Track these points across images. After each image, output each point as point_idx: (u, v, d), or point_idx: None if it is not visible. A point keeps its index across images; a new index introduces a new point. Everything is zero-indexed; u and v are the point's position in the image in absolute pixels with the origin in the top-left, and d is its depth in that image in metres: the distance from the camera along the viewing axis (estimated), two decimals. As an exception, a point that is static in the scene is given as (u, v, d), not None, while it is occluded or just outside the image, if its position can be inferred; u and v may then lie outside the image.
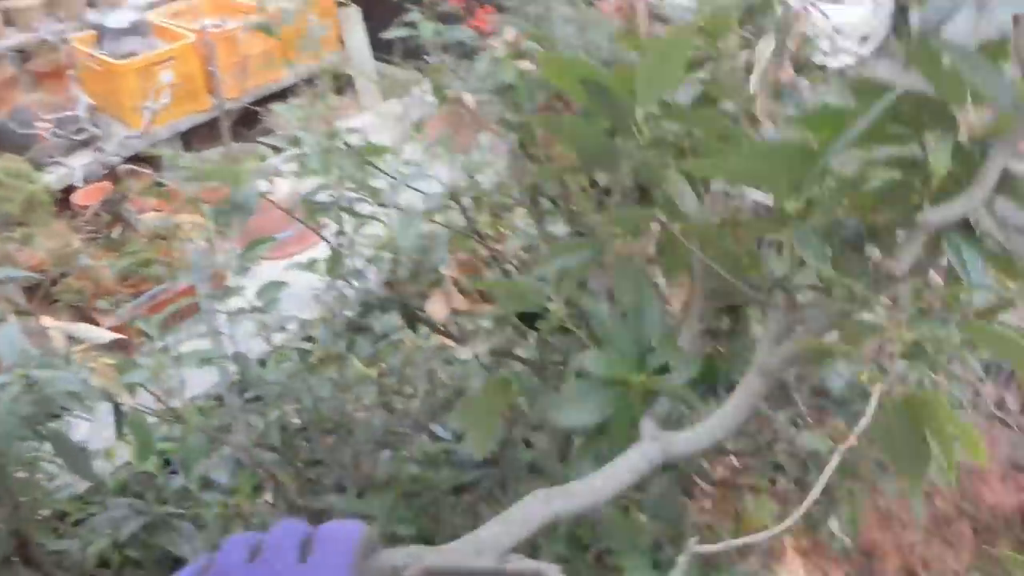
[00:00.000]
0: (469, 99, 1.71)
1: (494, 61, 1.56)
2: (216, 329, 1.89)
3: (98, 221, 3.70)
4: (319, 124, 2.30)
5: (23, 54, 5.41)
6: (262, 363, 1.90)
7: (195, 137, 4.83)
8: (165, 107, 4.49)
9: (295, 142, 1.74)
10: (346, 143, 1.72)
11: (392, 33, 2.09)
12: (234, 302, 1.75)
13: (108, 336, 2.85)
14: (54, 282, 3.67)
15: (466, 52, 1.84)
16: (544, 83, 1.45)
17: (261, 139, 3.17)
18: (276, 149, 2.79)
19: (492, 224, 1.69)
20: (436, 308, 1.46)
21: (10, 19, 5.66)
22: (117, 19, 4.85)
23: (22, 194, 3.16)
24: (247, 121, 4.27)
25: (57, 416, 1.40)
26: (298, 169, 1.60)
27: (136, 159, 4.36)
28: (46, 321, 3.06)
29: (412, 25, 2.02)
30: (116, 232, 3.57)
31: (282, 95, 4.64)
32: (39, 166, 4.17)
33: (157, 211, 3.58)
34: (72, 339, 2.84)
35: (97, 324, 3.33)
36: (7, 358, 1.41)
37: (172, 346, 1.81)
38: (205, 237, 2.92)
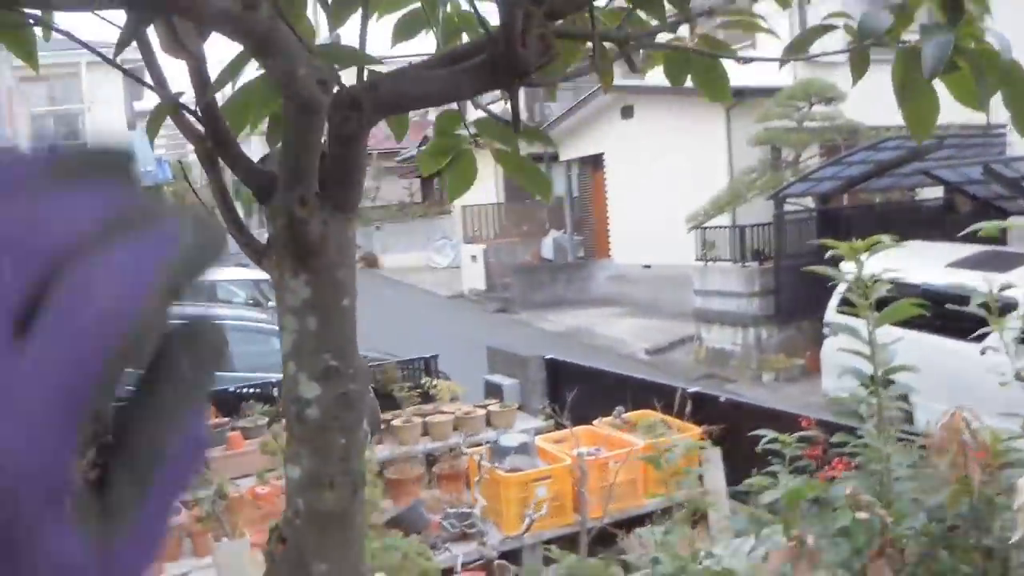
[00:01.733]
0: (811, 540, 2.02)
1: (836, 510, 1.90)
2: None
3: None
4: (677, 549, 2.65)
5: (431, 458, 6.99)
6: None
7: (555, 545, 5.44)
8: (540, 517, 5.17)
9: (655, 562, 2.11)
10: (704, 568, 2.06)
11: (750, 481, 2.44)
12: None
13: None
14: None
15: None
16: (880, 531, 1.76)
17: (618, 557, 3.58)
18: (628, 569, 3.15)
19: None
20: None
21: (426, 430, 7.46)
22: (509, 440, 5.85)
23: (419, 569, 3.72)
24: (604, 540, 4.85)
25: None
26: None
27: (505, 556, 5.02)
28: None
29: (773, 475, 2.37)
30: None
31: (640, 520, 5.24)
32: (431, 548, 5.01)
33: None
34: None
35: None
36: None
37: None
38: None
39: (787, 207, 15.17)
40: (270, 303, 16.03)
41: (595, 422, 6.67)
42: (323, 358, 1.17)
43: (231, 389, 8.21)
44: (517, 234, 23.36)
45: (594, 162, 21.48)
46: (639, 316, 18.37)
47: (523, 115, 1.72)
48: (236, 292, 16.56)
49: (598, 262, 21.20)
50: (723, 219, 16.33)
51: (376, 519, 5.81)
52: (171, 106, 1.37)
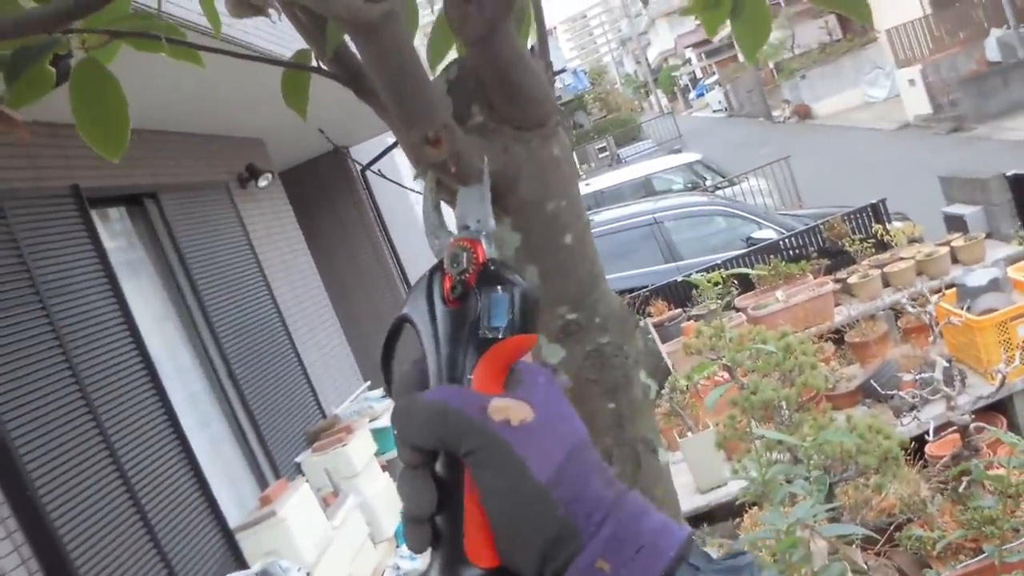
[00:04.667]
0: None
1: None
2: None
3: (947, 473, 3.85)
4: None
5: (895, 312, 6.37)
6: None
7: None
8: (1021, 360, 4.64)
9: None
10: None
11: None
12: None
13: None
14: (899, 527, 3.89)
15: None
16: None
17: None
18: None
19: None
20: None
21: (887, 280, 6.89)
22: (977, 277, 5.26)
23: (879, 449, 3.44)
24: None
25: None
26: None
27: (992, 408, 4.53)
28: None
29: None
30: (963, 486, 3.66)
31: None
32: (898, 414, 4.59)
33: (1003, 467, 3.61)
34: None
35: (933, 570, 3.44)
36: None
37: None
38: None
39: None
40: (707, 181, 15.95)
41: (1079, 237, 5.81)
42: (557, 313, 0.97)
43: (679, 279, 8.17)
44: (954, 44, 21.12)
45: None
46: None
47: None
48: (673, 180, 16.62)
49: (1058, 49, 18.57)
50: None
51: (843, 388, 5.54)
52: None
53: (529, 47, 1.06)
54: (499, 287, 0.68)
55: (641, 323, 1.05)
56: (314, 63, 1.15)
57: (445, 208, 0.84)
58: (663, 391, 1.08)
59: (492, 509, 0.62)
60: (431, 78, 0.97)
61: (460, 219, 0.75)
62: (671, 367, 1.04)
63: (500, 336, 0.66)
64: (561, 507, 0.61)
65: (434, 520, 0.65)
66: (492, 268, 0.69)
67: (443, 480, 0.65)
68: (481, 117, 0.96)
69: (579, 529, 0.61)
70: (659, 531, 0.62)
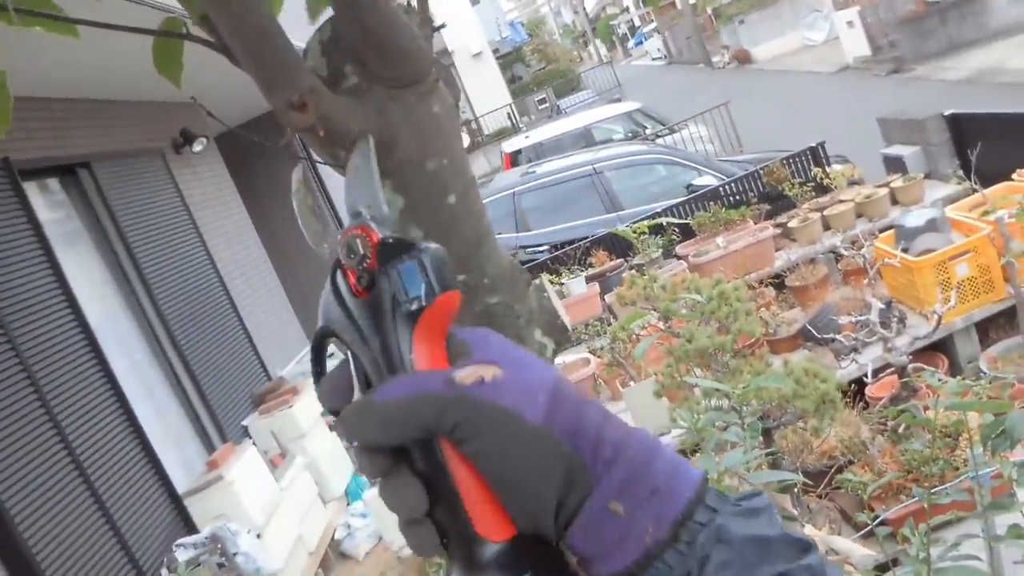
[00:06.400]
0: None
1: None
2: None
3: (885, 414, 3.90)
4: None
5: (835, 255, 6.36)
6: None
7: (991, 327, 4.97)
8: (960, 300, 4.73)
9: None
10: None
11: None
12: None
13: (866, 554, 2.95)
14: (840, 469, 3.93)
15: None
16: None
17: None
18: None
19: None
20: None
21: (827, 223, 6.99)
22: (915, 218, 5.29)
23: (816, 393, 3.47)
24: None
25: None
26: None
27: (933, 347, 4.59)
28: (809, 530, 3.28)
29: None
30: (901, 427, 3.71)
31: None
32: (838, 356, 4.64)
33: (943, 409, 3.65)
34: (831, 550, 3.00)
35: (874, 513, 3.49)
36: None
37: (935, 559, 1.78)
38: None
39: None
40: (647, 130, 15.94)
41: (1015, 175, 5.86)
42: (442, 275, 0.92)
43: (620, 228, 8.17)
44: (892, -16, 21.25)
45: None
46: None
47: None
48: (613, 129, 16.59)
49: (994, -13, 18.73)
50: None
51: (784, 333, 5.58)
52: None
53: (406, 2, 1.02)
54: (403, 257, 0.65)
55: (535, 281, 1.02)
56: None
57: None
58: (562, 349, 1.05)
59: (495, 472, 0.59)
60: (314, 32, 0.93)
61: (351, 207, 0.71)
62: (568, 324, 1.01)
63: (424, 303, 0.63)
64: (564, 443, 0.59)
65: (434, 518, 0.61)
66: (389, 242, 0.66)
67: (423, 475, 0.61)
68: (355, 78, 0.93)
69: (586, 464, 0.59)
70: (672, 471, 0.60)
